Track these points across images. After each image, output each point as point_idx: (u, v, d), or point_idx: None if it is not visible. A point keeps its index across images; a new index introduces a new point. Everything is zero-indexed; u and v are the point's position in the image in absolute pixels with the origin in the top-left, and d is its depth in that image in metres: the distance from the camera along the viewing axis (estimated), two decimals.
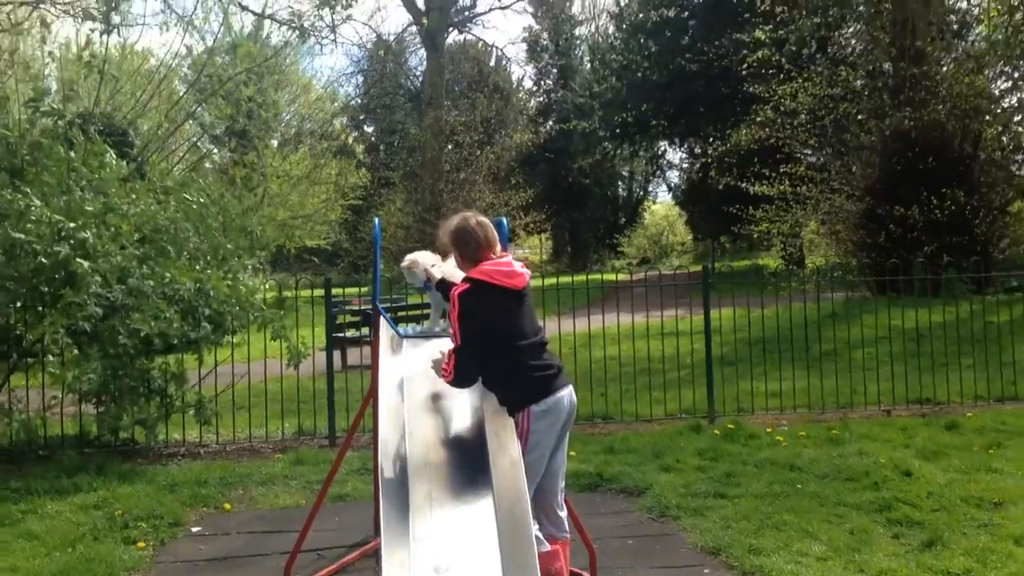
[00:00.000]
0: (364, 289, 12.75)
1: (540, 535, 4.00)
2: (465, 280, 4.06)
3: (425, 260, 4.63)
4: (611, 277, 10.85)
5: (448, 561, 3.58)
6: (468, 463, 4.00)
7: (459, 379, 4.06)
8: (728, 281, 17.20)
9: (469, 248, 4.14)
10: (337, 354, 12.56)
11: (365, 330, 13.90)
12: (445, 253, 4.55)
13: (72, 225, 7.27)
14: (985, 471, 6.79)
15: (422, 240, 31.33)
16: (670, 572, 5.12)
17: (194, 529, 6.14)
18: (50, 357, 8.24)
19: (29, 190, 7.60)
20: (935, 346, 10.78)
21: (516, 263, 4.12)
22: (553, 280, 12.07)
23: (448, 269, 4.53)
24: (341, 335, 13.18)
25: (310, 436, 8.84)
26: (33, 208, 7.35)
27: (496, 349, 3.99)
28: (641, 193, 52.50)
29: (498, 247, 4.19)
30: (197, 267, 7.99)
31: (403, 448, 4.06)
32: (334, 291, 9.27)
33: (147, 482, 7.05)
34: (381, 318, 4.72)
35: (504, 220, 4.71)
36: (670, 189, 48.57)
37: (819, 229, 22.64)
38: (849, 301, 14.80)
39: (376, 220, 5.10)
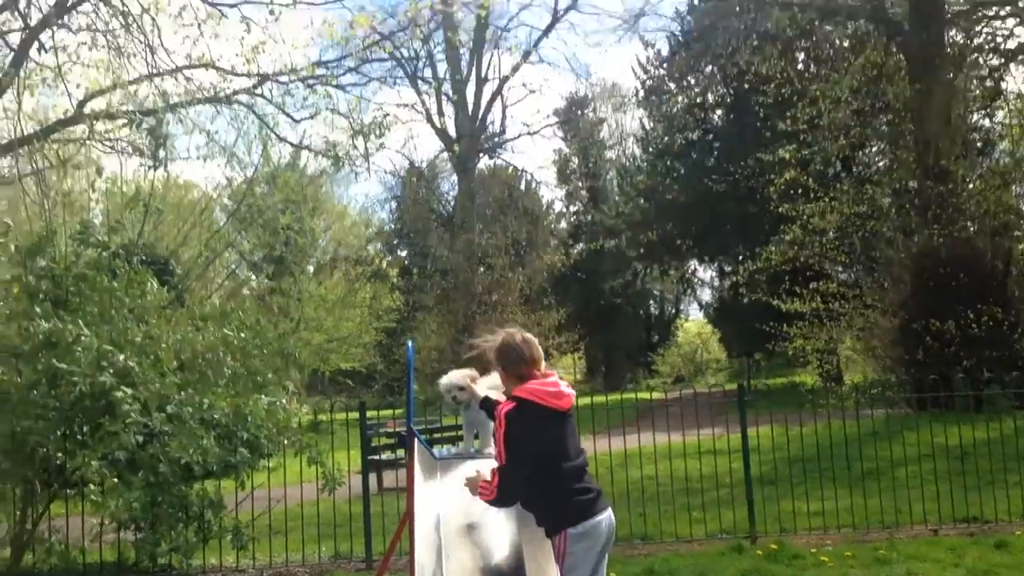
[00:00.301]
0: (399, 411, 12.80)
1: None
2: (512, 398, 4.06)
3: (463, 377, 4.64)
4: (646, 396, 10.84)
5: None
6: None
7: (501, 499, 4.03)
8: (765, 399, 17.06)
9: (515, 364, 4.16)
10: (373, 476, 12.51)
11: (400, 452, 13.90)
12: (484, 371, 4.60)
13: (122, 356, 7.46)
14: None
15: (455, 362, 31.49)
16: None
17: None
18: (91, 486, 8.33)
19: (71, 319, 7.82)
20: (980, 463, 10.53)
21: (563, 383, 4.12)
22: (588, 399, 12.05)
23: (488, 383, 4.58)
24: (376, 457, 13.15)
25: (346, 560, 8.76)
26: (83, 338, 7.56)
27: (539, 469, 3.96)
28: (673, 311, 52.52)
29: (543, 364, 4.20)
30: (233, 392, 8.10)
31: (439, 573, 4.04)
32: (369, 413, 9.32)
33: None
34: (415, 440, 4.75)
35: (410, 344, 4.90)
36: (701, 307, 48.62)
37: (855, 346, 22.47)
38: (890, 418, 14.57)
39: (410, 342, 5.19)
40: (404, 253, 45.22)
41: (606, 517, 4.03)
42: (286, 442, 8.17)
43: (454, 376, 4.62)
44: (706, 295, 47.22)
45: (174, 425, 7.49)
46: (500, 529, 4.25)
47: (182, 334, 8.45)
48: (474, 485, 4.18)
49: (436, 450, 4.93)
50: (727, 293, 34.89)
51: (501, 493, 4.00)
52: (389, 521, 8.78)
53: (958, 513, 9.42)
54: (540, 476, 3.96)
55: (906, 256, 19.15)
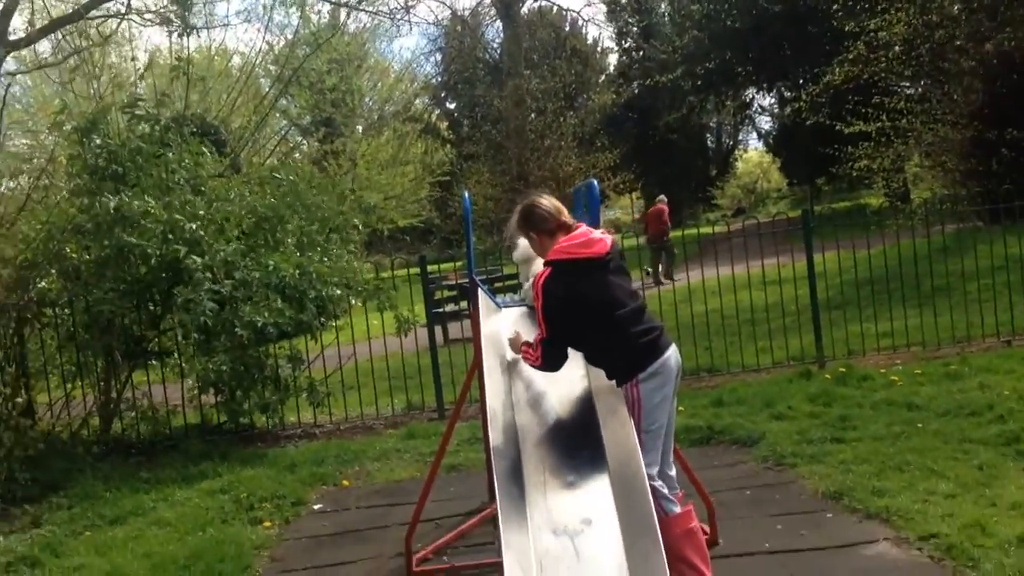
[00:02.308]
0: (459, 264, 12.85)
1: (671, 496, 3.92)
2: (546, 265, 3.95)
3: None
4: (707, 230, 10.57)
5: (565, 522, 3.58)
6: (577, 427, 3.98)
7: (545, 368, 3.99)
8: (830, 223, 16.71)
9: (541, 222, 4.03)
10: (438, 329, 12.73)
11: (463, 304, 14.07)
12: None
13: (192, 226, 7.53)
14: None
15: (512, 210, 31.33)
16: (791, 519, 5.03)
17: (316, 507, 6.32)
18: (174, 355, 8.60)
19: (133, 194, 7.89)
20: None
21: (595, 231, 3.97)
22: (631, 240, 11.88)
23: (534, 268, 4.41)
24: (440, 310, 13.33)
25: (419, 411, 9.00)
26: (151, 210, 7.64)
27: (592, 324, 3.85)
28: (731, 143, 51.41)
29: (568, 215, 4.08)
30: (298, 253, 8.17)
31: (511, 417, 4.06)
32: (429, 267, 9.36)
33: (268, 465, 7.29)
34: (479, 289, 4.73)
35: (595, 182, 4.67)
36: (760, 136, 47.45)
37: (923, 162, 21.73)
38: (960, 233, 14.20)
39: (466, 193, 5.10)
40: (453, 105, 44.57)
41: (672, 354, 3.94)
42: (354, 296, 8.26)
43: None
44: (765, 123, 45.99)
45: (243, 291, 7.61)
46: (569, 369, 4.23)
47: (242, 199, 8.49)
48: (516, 346, 4.15)
49: (499, 298, 4.91)
50: (788, 119, 33.82)
51: (544, 364, 3.96)
52: (457, 372, 8.96)
53: None
54: (595, 330, 3.86)
55: (978, 64, 18.22)
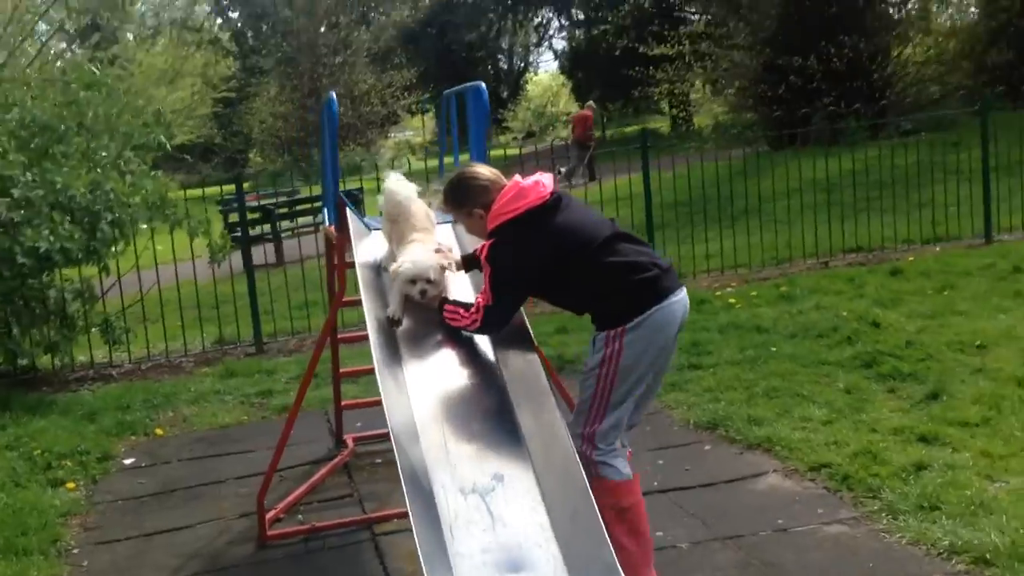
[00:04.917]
0: (254, 184, 11.76)
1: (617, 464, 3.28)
2: (489, 235, 3.31)
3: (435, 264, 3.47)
4: (498, 153, 10.22)
5: (473, 480, 3.08)
6: (476, 371, 3.44)
7: (483, 331, 3.39)
8: (622, 147, 16.88)
9: (482, 195, 3.32)
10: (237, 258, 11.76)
11: (267, 227, 13.06)
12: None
13: None
14: (951, 314, 6.67)
15: (304, 129, 29.88)
16: (670, 454, 4.77)
17: (127, 461, 5.49)
18: None
19: None
20: (847, 195, 10.45)
21: (524, 180, 3.30)
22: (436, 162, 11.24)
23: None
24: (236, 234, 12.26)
25: (233, 345, 8.14)
26: None
27: (566, 275, 3.23)
28: (522, 65, 51.35)
29: (504, 178, 3.40)
30: (89, 168, 7.01)
31: (397, 360, 3.45)
32: (223, 189, 8.40)
33: (61, 414, 6.27)
34: (346, 208, 4.04)
35: (482, 85, 4.05)
36: (556, 57, 47.62)
37: (711, 87, 22.36)
38: (747, 158, 14.55)
39: (332, 94, 4.27)
40: (236, 15, 41.75)
41: (678, 299, 3.29)
42: (159, 219, 7.23)
43: (420, 260, 3.44)
44: (560, 44, 46.23)
45: (24, 212, 6.45)
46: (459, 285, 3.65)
47: (18, 105, 7.16)
48: (434, 302, 3.44)
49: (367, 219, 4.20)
50: (582, 41, 34.03)
51: (483, 328, 3.36)
52: (267, 301, 8.21)
53: (847, 244, 9.53)
54: (574, 281, 3.26)
55: None
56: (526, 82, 52.11)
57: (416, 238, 3.55)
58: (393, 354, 3.45)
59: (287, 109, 30.63)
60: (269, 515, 4.17)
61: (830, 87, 17.36)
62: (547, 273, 3.24)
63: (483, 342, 3.50)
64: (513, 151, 10.93)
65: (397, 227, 3.64)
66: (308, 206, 13.67)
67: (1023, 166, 10.00)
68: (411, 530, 3.92)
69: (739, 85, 19.57)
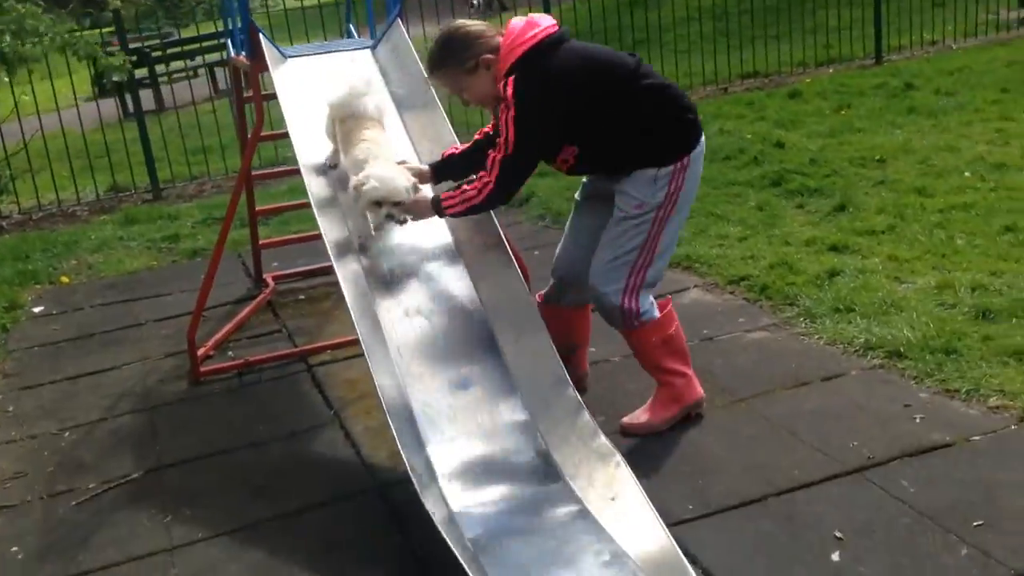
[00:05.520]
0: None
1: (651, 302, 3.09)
2: (508, 73, 2.85)
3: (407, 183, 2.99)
4: None
5: (416, 304, 3.10)
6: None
7: (497, 197, 2.95)
8: None
9: (481, 47, 2.91)
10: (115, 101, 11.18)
11: (145, 70, 12.30)
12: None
13: None
14: (850, 132, 6.88)
15: None
16: None
17: (36, 309, 5.31)
18: None
19: None
20: (743, 22, 10.43)
21: (519, 19, 2.96)
22: None
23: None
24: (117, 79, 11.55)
25: (128, 192, 7.82)
26: None
27: (609, 102, 2.87)
28: None
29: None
30: None
31: (333, 198, 3.36)
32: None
33: None
34: (260, 36, 3.82)
35: None
36: None
37: None
38: None
39: None
40: None
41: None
42: (43, 47, 6.71)
43: (387, 176, 2.94)
44: None
45: None
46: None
47: None
48: (421, 208, 3.01)
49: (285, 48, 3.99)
50: None
51: (497, 190, 2.89)
52: (159, 146, 7.90)
53: (744, 70, 9.64)
54: (617, 109, 2.89)
55: None
56: None
57: (367, 136, 3.09)
58: (326, 183, 3.38)
59: None
60: (200, 352, 4.12)
61: None
62: (577, 114, 2.88)
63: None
64: None
65: (344, 124, 3.19)
66: (179, 49, 12.95)
67: None
68: (347, 359, 4.07)
69: None
